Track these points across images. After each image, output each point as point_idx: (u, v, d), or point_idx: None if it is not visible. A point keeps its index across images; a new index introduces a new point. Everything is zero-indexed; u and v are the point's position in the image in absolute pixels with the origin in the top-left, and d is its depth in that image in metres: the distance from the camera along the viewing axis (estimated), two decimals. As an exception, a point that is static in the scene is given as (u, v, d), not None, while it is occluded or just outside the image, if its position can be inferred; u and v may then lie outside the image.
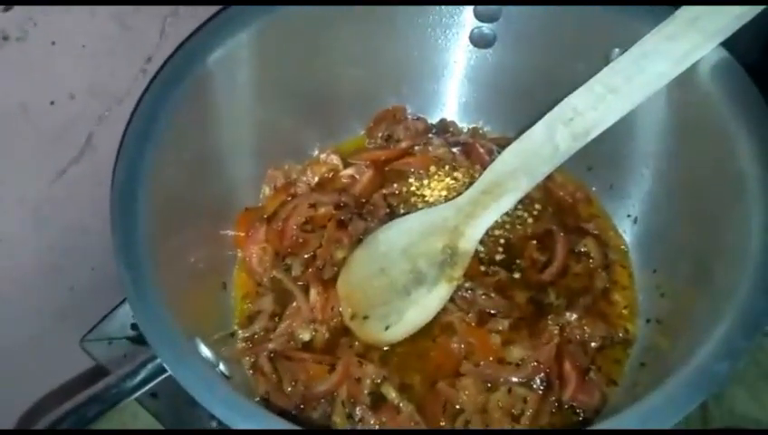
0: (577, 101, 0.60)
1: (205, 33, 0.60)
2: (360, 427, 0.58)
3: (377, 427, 0.58)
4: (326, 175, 0.73)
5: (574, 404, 0.60)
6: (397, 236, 0.66)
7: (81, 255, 0.67)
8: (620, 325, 0.64)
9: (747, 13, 0.54)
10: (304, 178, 0.73)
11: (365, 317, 0.63)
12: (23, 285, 0.63)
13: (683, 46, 0.56)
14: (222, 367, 0.53)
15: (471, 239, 0.64)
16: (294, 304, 0.64)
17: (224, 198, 0.67)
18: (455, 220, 0.65)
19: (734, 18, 0.54)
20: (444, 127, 0.77)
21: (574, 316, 0.62)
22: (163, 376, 0.47)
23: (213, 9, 0.63)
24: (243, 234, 0.68)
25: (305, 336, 0.63)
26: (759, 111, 0.54)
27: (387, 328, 0.62)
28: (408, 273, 0.64)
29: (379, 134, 0.75)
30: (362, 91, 0.73)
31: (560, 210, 0.71)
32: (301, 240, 0.68)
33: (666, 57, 0.57)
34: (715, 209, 0.56)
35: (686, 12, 0.56)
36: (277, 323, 0.64)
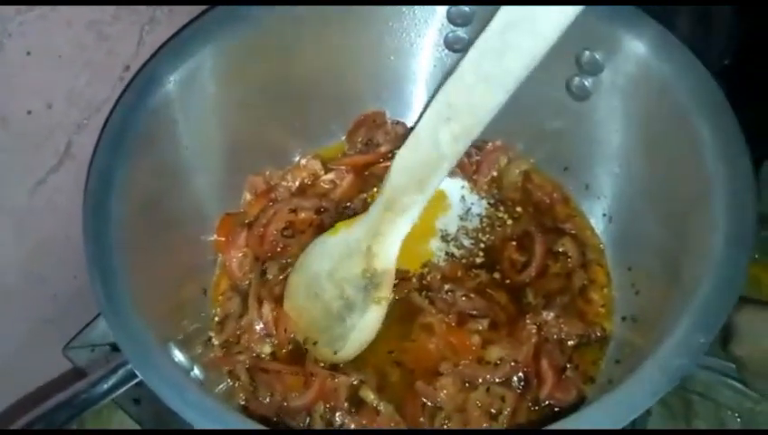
0: (452, 95, 0.55)
1: (178, 41, 0.61)
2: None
3: (357, 429, 0.59)
4: (306, 180, 0.73)
5: (551, 402, 0.60)
6: (320, 260, 0.65)
7: (63, 263, 0.67)
8: (597, 324, 0.64)
9: None
10: (285, 184, 0.73)
11: (314, 343, 0.64)
12: (5, 294, 0.63)
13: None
14: (197, 371, 0.54)
15: (386, 259, 0.63)
16: (246, 318, 0.64)
17: (203, 205, 0.67)
18: (366, 241, 0.63)
19: None
20: (423, 130, 0.77)
21: (551, 315, 0.63)
22: (134, 381, 0.47)
23: (191, 17, 0.63)
24: (224, 239, 0.69)
25: (266, 349, 0.63)
26: (720, 109, 0.54)
27: (335, 352, 0.63)
28: (339, 299, 0.64)
29: (359, 139, 0.75)
30: (341, 97, 0.73)
31: (538, 211, 0.71)
32: (281, 245, 0.69)
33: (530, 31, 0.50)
34: (683, 208, 0.56)
35: None
36: (240, 335, 0.64)
